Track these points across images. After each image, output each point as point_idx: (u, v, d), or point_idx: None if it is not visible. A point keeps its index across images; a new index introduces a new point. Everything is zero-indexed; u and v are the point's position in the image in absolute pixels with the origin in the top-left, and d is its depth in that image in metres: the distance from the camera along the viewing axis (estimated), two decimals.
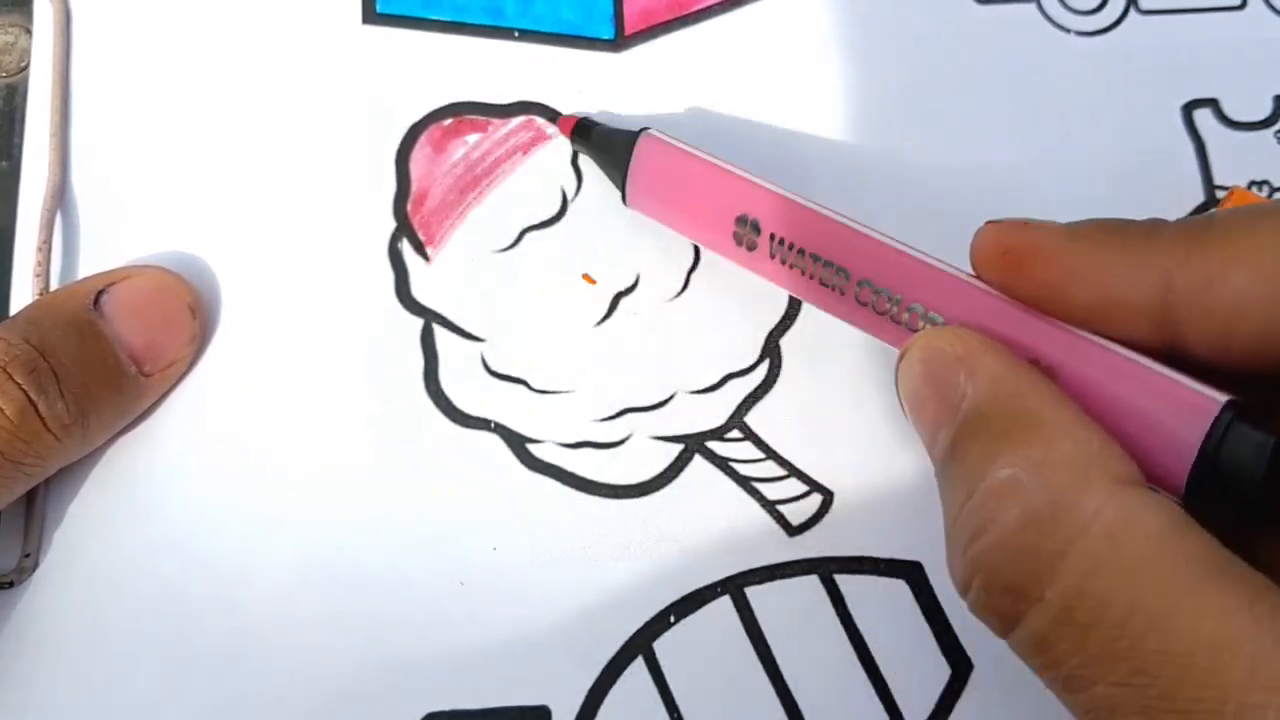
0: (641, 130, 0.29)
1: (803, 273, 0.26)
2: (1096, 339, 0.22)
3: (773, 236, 0.27)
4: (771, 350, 0.30)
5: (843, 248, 0.26)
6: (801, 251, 0.26)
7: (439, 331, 0.31)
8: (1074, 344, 0.22)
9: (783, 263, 0.27)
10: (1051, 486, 0.19)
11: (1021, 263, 0.22)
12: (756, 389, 0.30)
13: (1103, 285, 0.21)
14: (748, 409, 0.30)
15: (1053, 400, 0.20)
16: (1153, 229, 0.21)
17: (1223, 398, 0.20)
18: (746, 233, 0.27)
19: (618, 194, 0.30)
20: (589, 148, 0.31)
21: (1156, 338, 0.21)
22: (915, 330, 0.24)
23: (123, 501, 0.29)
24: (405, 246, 0.31)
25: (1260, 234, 0.20)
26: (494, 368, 0.30)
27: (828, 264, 0.26)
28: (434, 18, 0.33)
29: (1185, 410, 0.20)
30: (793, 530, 0.29)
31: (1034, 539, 0.18)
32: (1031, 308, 0.22)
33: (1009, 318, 0.23)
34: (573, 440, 0.30)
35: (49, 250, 0.30)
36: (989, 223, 0.23)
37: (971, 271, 0.24)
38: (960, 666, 0.28)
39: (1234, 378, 0.20)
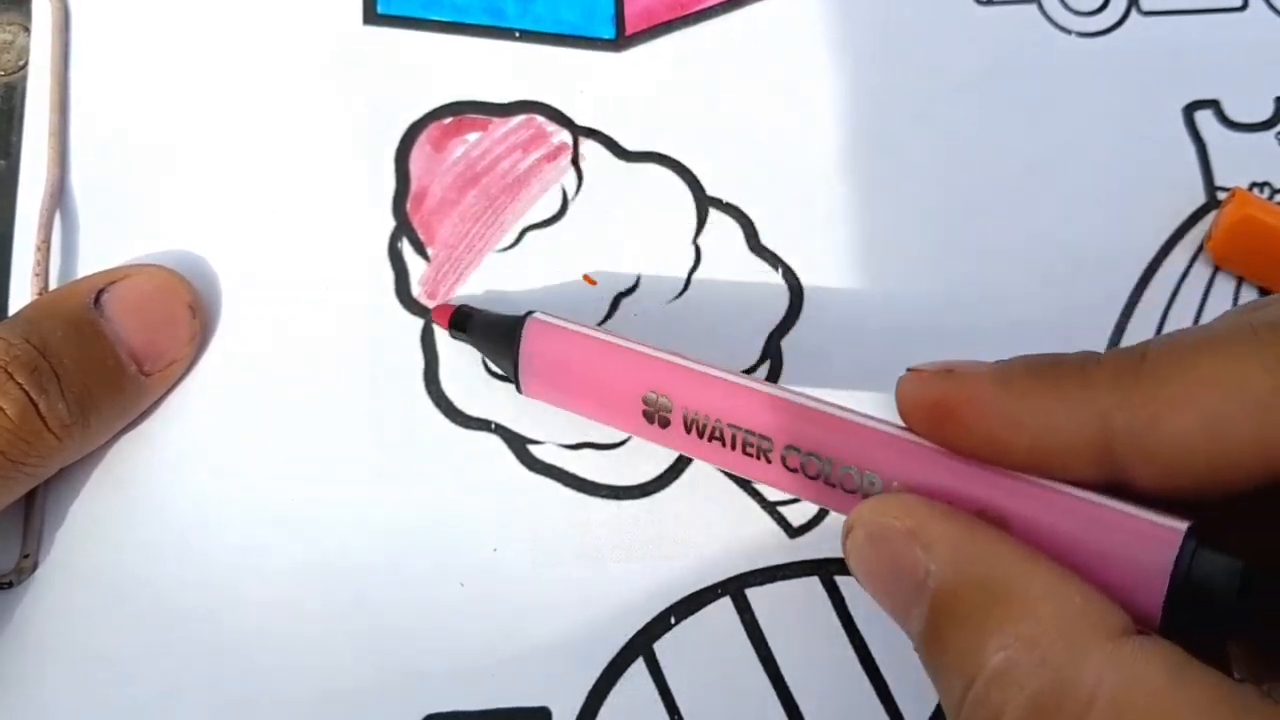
0: (526, 314, 0.28)
1: (723, 444, 0.25)
2: (1045, 483, 0.21)
3: (685, 411, 0.25)
4: (772, 351, 0.30)
5: (761, 414, 0.24)
6: (719, 423, 0.25)
7: (439, 331, 0.31)
8: (1020, 489, 0.21)
9: (700, 436, 0.25)
10: (1048, 664, 0.18)
11: (952, 415, 0.21)
12: None
13: (1040, 431, 0.20)
14: None
15: (1020, 559, 0.19)
16: (1085, 368, 0.20)
17: (1182, 525, 0.19)
18: (657, 410, 0.25)
19: (619, 193, 0.30)
20: (470, 337, 0.29)
21: (1100, 475, 0.20)
22: (850, 491, 0.23)
23: (123, 501, 0.29)
24: (405, 246, 0.31)
25: (1197, 371, 0.19)
26: (495, 368, 0.30)
27: (748, 433, 0.24)
28: (435, 18, 0.33)
29: (1148, 543, 0.19)
30: (794, 531, 0.29)
31: None
32: (969, 458, 0.21)
33: (949, 470, 0.22)
34: (573, 441, 0.30)
35: (48, 249, 0.30)
36: (910, 372, 0.22)
37: (901, 423, 0.23)
38: None
39: (1183, 504, 0.20)
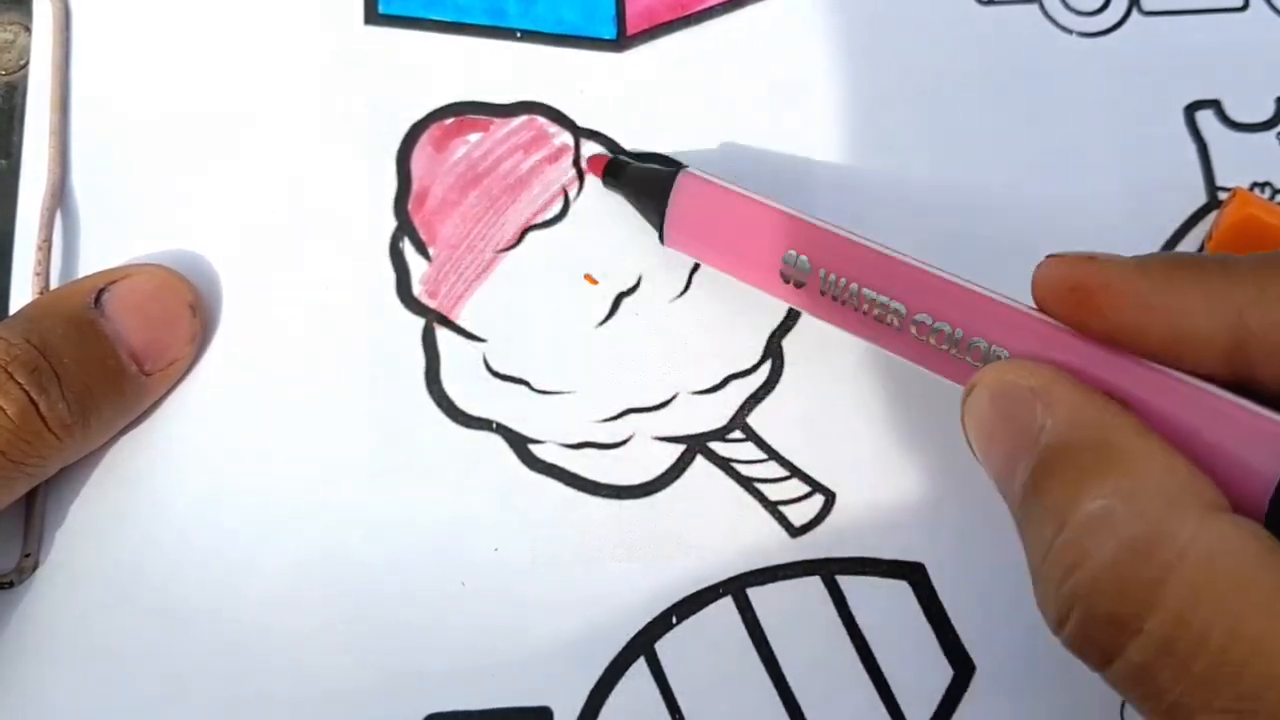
0: (679, 168, 0.29)
1: (856, 309, 0.26)
2: (1170, 371, 0.21)
3: (823, 274, 0.26)
4: (774, 351, 0.30)
5: (897, 282, 0.25)
6: (854, 287, 0.25)
7: (440, 331, 0.31)
8: (1148, 377, 0.21)
9: (834, 299, 0.26)
10: (1145, 516, 0.18)
11: (1090, 299, 0.22)
12: (759, 390, 0.30)
13: (1175, 321, 0.21)
14: (750, 410, 0.30)
15: (1136, 430, 0.20)
16: (1226, 264, 0.21)
17: None
18: (794, 270, 0.26)
19: (619, 194, 0.30)
20: (621, 187, 0.30)
21: (1228, 371, 0.21)
22: (977, 366, 0.23)
23: (123, 501, 0.29)
24: (406, 246, 0.31)
25: None
26: (496, 368, 0.30)
27: (882, 300, 0.25)
28: (436, 18, 0.33)
29: (1263, 440, 0.20)
30: (795, 531, 0.29)
31: (1132, 570, 0.18)
32: (1101, 342, 0.22)
33: (1079, 351, 0.22)
34: (574, 441, 0.30)
35: (49, 249, 0.30)
36: (1051, 257, 0.23)
37: (1031, 304, 0.23)
38: (962, 668, 0.28)
39: None
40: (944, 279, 0.25)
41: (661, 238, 0.29)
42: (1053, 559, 0.19)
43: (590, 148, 0.32)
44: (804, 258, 0.26)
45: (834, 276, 0.26)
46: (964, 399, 0.22)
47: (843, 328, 0.26)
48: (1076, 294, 0.22)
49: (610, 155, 0.30)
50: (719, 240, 0.28)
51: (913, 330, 0.24)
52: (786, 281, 0.27)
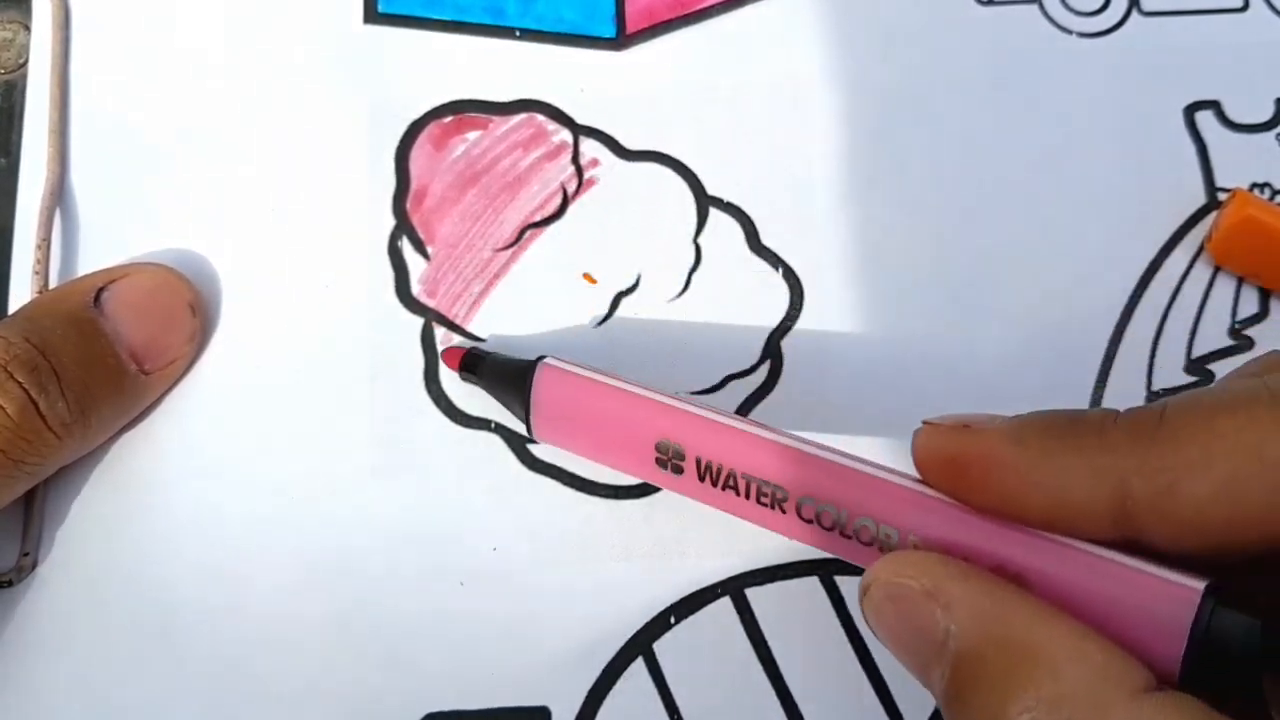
0: (538, 359, 0.28)
1: (737, 493, 0.25)
2: (1061, 540, 0.21)
3: (699, 460, 0.25)
4: (772, 351, 0.30)
5: (776, 464, 0.24)
6: (733, 472, 0.25)
7: (439, 330, 0.31)
8: (1038, 546, 0.21)
9: (714, 484, 0.25)
10: None
11: (967, 472, 0.21)
12: (758, 390, 0.30)
13: (1056, 491, 0.20)
14: (749, 410, 0.30)
15: (1041, 619, 0.19)
16: (1102, 429, 0.20)
17: (1200, 584, 0.19)
18: (670, 457, 0.25)
19: (621, 193, 0.30)
20: (480, 380, 0.29)
21: (1117, 534, 0.20)
22: (866, 543, 0.23)
23: (122, 500, 0.29)
24: (405, 244, 0.31)
25: (1214, 435, 0.19)
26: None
27: (762, 482, 0.24)
28: (435, 17, 0.33)
29: (1166, 601, 0.20)
30: None
31: None
32: (988, 515, 0.21)
33: (965, 525, 0.22)
34: None
35: (48, 248, 0.30)
36: (926, 424, 0.22)
37: (916, 476, 0.23)
38: None
39: (1200, 562, 0.20)
40: (825, 459, 0.24)
41: (529, 431, 0.28)
42: None
43: (589, 146, 0.32)
44: (677, 444, 0.25)
45: (711, 461, 0.25)
46: (860, 598, 0.22)
47: (727, 511, 0.26)
48: (953, 467, 0.22)
49: (465, 348, 0.29)
50: (589, 432, 0.27)
51: (798, 513, 0.24)
52: (664, 468, 0.26)
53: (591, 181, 0.32)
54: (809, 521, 0.24)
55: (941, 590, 0.20)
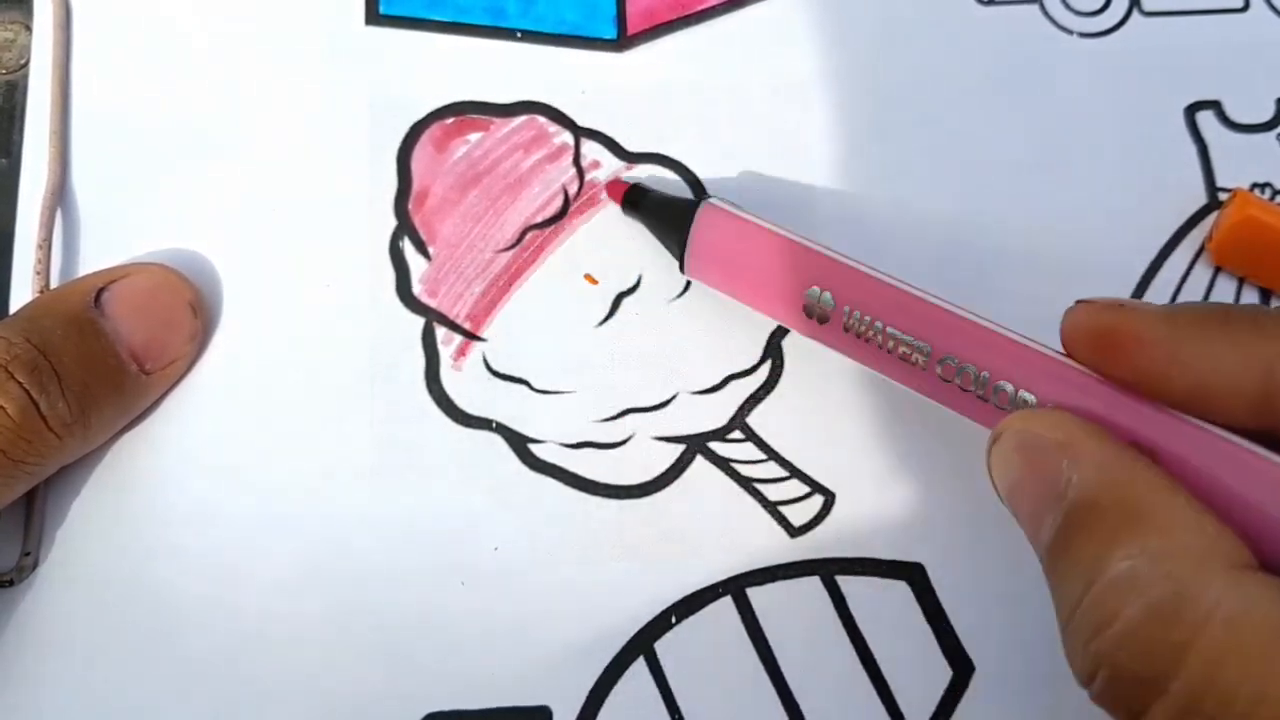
0: (702, 199, 0.29)
1: (880, 346, 0.25)
2: (1197, 422, 0.21)
3: (847, 310, 0.26)
4: (773, 351, 0.30)
5: (923, 322, 0.25)
6: (879, 325, 0.25)
7: (440, 330, 0.31)
8: (1174, 427, 0.21)
9: (858, 336, 0.25)
10: (1172, 577, 0.19)
11: (1119, 347, 0.22)
12: (758, 390, 0.30)
13: (1204, 372, 0.21)
14: (749, 410, 0.30)
15: (1162, 486, 0.20)
16: (1256, 317, 0.21)
17: None
18: (818, 305, 0.26)
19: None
20: (642, 215, 0.30)
21: (1256, 423, 0.21)
22: (1003, 409, 0.23)
23: (123, 500, 0.29)
24: (406, 245, 0.31)
25: None
26: (495, 367, 0.30)
27: (907, 339, 0.25)
28: (437, 19, 0.33)
29: None
30: (794, 531, 0.29)
31: (1158, 632, 0.18)
32: (1129, 391, 0.22)
33: (1106, 399, 0.22)
34: (574, 440, 0.30)
35: (49, 248, 0.30)
36: (1080, 302, 0.23)
37: (1059, 349, 0.23)
38: (962, 668, 0.28)
39: None
40: (971, 320, 0.24)
41: (682, 267, 0.29)
42: (1080, 618, 0.20)
43: (590, 147, 0.32)
44: (828, 294, 0.26)
45: (859, 313, 0.25)
46: (989, 446, 0.22)
47: (866, 364, 0.26)
48: (1104, 341, 0.22)
49: (629, 182, 0.30)
50: (741, 273, 0.28)
51: (938, 370, 0.24)
52: (810, 316, 0.26)
53: (594, 184, 0.32)
54: (948, 381, 0.24)
55: (1073, 444, 0.21)
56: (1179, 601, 0.18)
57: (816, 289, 0.26)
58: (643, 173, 0.32)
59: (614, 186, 0.30)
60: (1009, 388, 0.23)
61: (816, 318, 0.26)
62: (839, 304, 0.26)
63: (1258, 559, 0.19)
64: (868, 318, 0.25)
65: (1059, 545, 0.20)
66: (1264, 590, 0.18)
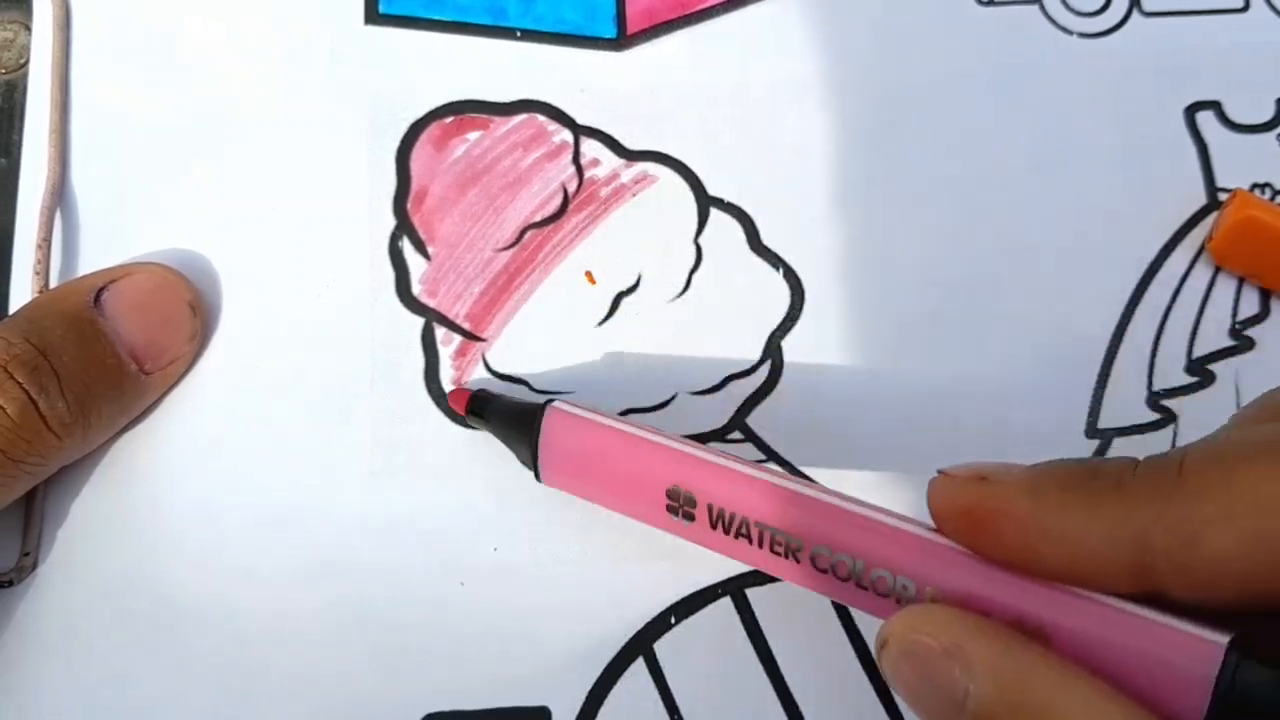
0: (546, 402, 0.27)
1: (750, 541, 0.24)
2: (1081, 593, 0.20)
3: (710, 507, 0.24)
4: (773, 351, 0.30)
5: (791, 513, 0.24)
6: (745, 520, 0.24)
7: (440, 330, 0.31)
8: (1058, 600, 0.20)
9: (725, 532, 0.24)
10: None
11: (984, 525, 0.21)
12: (758, 390, 0.30)
13: (1075, 546, 0.20)
14: (749, 410, 0.30)
15: (1061, 680, 0.19)
16: (1121, 482, 0.20)
17: (1224, 638, 0.19)
18: (682, 505, 0.25)
19: (620, 192, 0.30)
20: (487, 425, 0.29)
21: (1137, 588, 0.20)
22: (883, 593, 0.22)
23: (123, 500, 0.29)
24: (406, 244, 0.31)
25: (1235, 489, 0.19)
26: (495, 367, 0.30)
27: (777, 532, 0.24)
28: (436, 18, 0.33)
29: (1189, 656, 0.19)
30: None
31: None
32: (1005, 567, 0.21)
33: (983, 577, 0.21)
34: None
35: (49, 247, 0.30)
36: (941, 474, 0.22)
37: (932, 525, 0.22)
38: None
39: (1222, 614, 0.20)
40: (840, 507, 0.23)
41: (537, 475, 0.27)
42: None
43: (590, 146, 0.32)
44: (689, 492, 0.25)
45: (723, 509, 0.24)
46: (877, 652, 0.21)
47: (740, 560, 0.25)
48: (970, 519, 0.21)
49: (470, 390, 0.29)
50: (598, 478, 0.27)
51: (813, 563, 0.23)
52: (675, 515, 0.25)
53: (594, 182, 0.32)
54: (824, 571, 0.23)
55: (960, 649, 0.20)
56: None
57: (678, 487, 0.25)
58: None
59: (457, 396, 0.29)
60: (887, 575, 0.22)
61: (682, 516, 0.25)
62: (701, 501, 0.25)
63: None
64: (733, 513, 0.24)
65: None
66: None
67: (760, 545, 0.24)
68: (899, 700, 0.28)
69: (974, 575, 0.21)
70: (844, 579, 0.23)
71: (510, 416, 0.28)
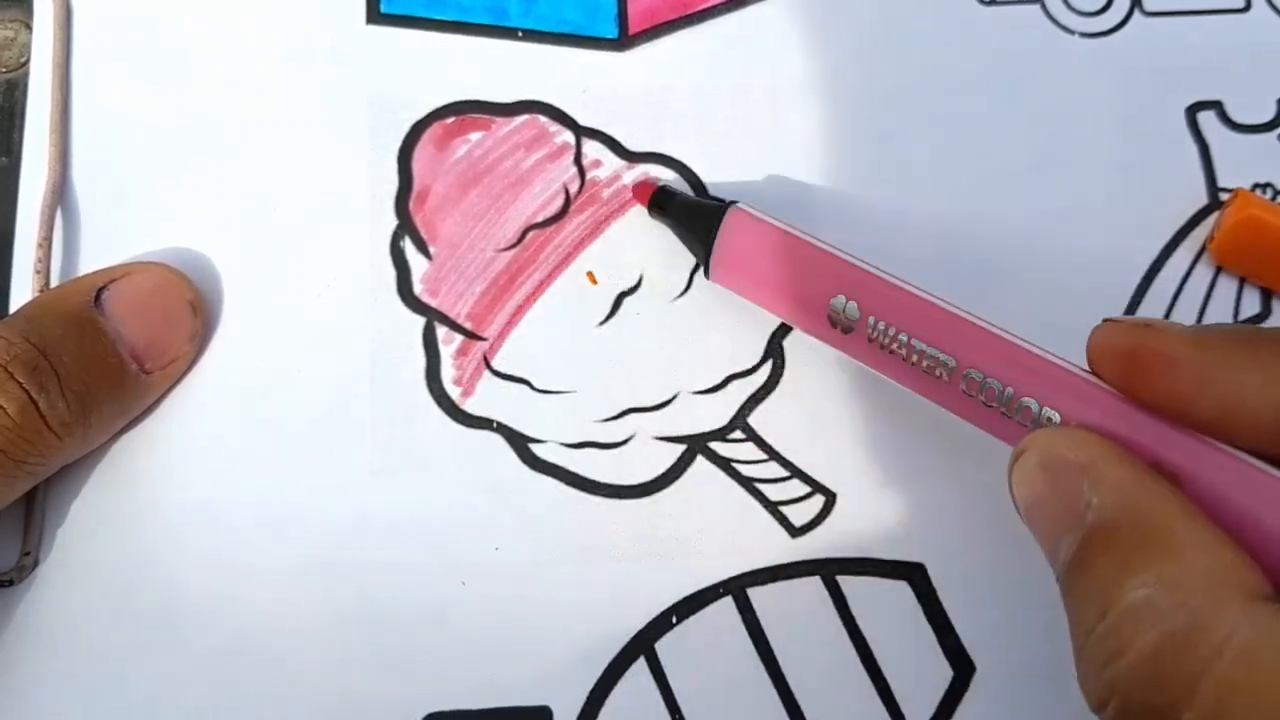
0: (730, 203, 0.28)
1: (904, 359, 0.25)
2: (1221, 446, 0.21)
3: (872, 320, 0.25)
4: (774, 351, 0.30)
5: (949, 335, 0.24)
6: (903, 336, 0.25)
7: (441, 330, 0.30)
8: (1199, 451, 0.21)
9: (882, 347, 0.25)
10: (1186, 607, 0.19)
11: (1146, 368, 0.22)
12: (759, 390, 0.30)
13: (1230, 396, 0.21)
14: (750, 410, 0.30)
15: (1182, 512, 0.20)
16: None
17: None
18: (842, 315, 0.26)
19: (621, 193, 0.30)
20: (668, 218, 0.30)
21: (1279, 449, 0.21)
22: (1026, 426, 0.23)
23: (123, 500, 0.29)
24: (407, 244, 0.31)
25: None
26: (496, 367, 0.30)
27: (932, 352, 0.24)
28: (438, 18, 0.33)
29: None
30: (795, 531, 0.29)
31: (1171, 662, 0.18)
32: (1154, 411, 0.22)
33: (1130, 420, 0.22)
34: (575, 440, 0.30)
35: (49, 247, 0.30)
36: (1107, 321, 0.23)
37: (1085, 366, 0.23)
38: (962, 668, 0.28)
39: None
40: (997, 335, 0.24)
41: (707, 272, 0.28)
42: (1094, 644, 0.20)
43: (591, 146, 0.32)
44: (853, 303, 0.26)
45: (883, 325, 0.25)
46: (1011, 463, 0.22)
47: (889, 376, 0.26)
48: (1131, 362, 0.22)
49: (656, 183, 0.30)
50: (767, 280, 0.27)
51: (962, 385, 0.24)
52: (834, 326, 0.26)
53: (595, 183, 0.32)
54: (972, 396, 0.24)
55: (1096, 466, 0.21)
56: (1192, 632, 0.18)
57: (842, 298, 0.26)
58: (659, 175, 0.31)
59: (641, 188, 0.30)
60: (1034, 405, 0.23)
61: (841, 327, 0.26)
62: (864, 314, 0.25)
63: (1277, 584, 0.19)
64: (892, 329, 0.25)
65: (1075, 568, 0.20)
66: (1278, 622, 0.18)
67: (915, 363, 0.25)
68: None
69: (1121, 416, 0.22)
70: (991, 405, 0.23)
71: (692, 212, 0.29)
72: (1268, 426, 0.20)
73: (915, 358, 0.25)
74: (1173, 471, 0.21)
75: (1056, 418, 0.23)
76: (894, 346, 0.25)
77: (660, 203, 0.30)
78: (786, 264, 0.27)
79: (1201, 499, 0.20)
